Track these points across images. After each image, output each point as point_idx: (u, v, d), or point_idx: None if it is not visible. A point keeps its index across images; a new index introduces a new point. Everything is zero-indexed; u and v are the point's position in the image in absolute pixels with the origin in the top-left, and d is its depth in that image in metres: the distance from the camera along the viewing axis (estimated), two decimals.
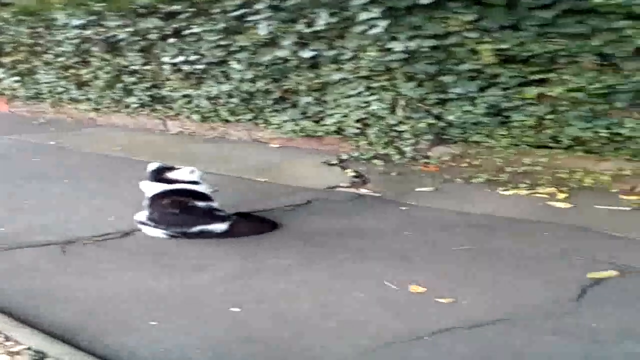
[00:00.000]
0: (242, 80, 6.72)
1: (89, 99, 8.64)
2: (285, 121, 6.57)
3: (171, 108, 7.65)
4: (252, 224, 3.93)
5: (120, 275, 3.30)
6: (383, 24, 5.36)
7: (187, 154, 6.40)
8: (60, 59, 8.76)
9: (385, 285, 3.09)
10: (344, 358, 2.42)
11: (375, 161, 5.72)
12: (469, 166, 5.29)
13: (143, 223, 3.78)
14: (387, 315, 2.78)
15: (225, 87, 6.93)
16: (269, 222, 3.98)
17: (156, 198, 3.78)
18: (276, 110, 6.65)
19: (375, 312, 2.82)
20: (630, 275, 3.17)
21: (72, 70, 8.69)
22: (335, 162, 5.77)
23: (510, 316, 2.74)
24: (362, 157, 5.83)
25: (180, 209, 3.76)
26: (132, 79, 7.94)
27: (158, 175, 3.83)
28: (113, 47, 7.94)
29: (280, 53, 6.28)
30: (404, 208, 4.44)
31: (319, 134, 6.39)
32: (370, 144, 5.92)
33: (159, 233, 3.74)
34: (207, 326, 2.71)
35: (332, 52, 5.95)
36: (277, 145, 6.69)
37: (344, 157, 5.91)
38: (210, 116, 7.28)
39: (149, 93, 7.85)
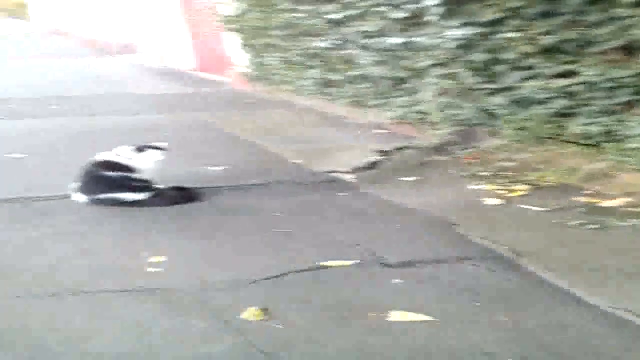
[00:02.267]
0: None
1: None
2: (399, 106, 7.32)
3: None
4: (168, 197, 4.92)
5: None
6: None
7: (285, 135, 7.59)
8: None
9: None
10: None
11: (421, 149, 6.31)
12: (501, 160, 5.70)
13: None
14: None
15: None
16: (188, 195, 5.01)
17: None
18: (392, 96, 7.40)
19: None
20: None
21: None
22: (387, 149, 6.38)
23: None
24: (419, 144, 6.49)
25: (91, 178, 4.85)
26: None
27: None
28: None
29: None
30: (343, 194, 5.13)
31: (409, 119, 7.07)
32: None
33: (80, 198, 4.88)
34: None
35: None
36: (380, 130, 7.49)
37: (399, 145, 6.52)
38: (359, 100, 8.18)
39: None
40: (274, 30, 9.68)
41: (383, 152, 6.24)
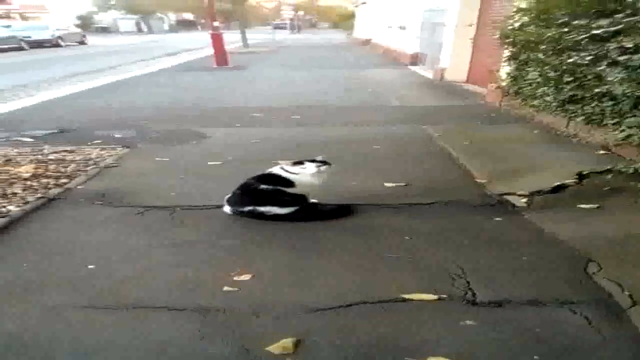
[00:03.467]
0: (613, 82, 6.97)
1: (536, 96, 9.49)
2: (630, 126, 6.66)
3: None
4: (312, 213, 4.84)
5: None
6: None
7: (487, 150, 7.17)
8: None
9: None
10: None
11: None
12: None
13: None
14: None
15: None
16: (334, 212, 4.90)
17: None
18: (629, 115, 6.77)
19: None
20: None
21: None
22: (586, 172, 5.89)
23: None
24: (625, 169, 5.91)
25: (242, 190, 4.86)
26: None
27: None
28: None
29: None
30: (498, 219, 4.77)
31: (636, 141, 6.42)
32: None
33: (228, 210, 4.97)
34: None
35: None
36: (603, 152, 6.90)
37: (601, 168, 6.00)
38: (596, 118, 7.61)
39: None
40: (541, 45, 9.24)
41: (579, 175, 5.71)
